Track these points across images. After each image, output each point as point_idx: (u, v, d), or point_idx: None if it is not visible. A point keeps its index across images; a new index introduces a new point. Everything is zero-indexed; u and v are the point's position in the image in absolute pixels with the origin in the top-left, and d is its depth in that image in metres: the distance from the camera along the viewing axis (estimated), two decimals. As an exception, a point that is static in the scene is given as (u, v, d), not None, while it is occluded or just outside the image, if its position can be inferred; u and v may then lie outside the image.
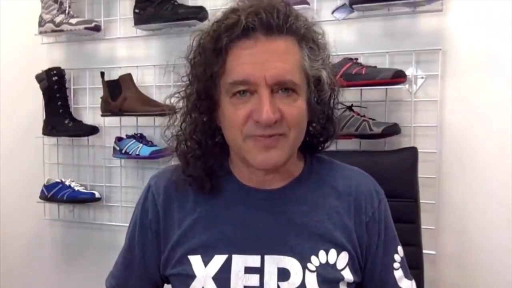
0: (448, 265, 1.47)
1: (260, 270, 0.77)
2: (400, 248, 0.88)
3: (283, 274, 0.77)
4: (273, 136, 0.74)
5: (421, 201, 1.28)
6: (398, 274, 0.86)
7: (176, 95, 0.83)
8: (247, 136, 0.74)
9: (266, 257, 0.78)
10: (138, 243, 0.88)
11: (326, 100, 0.82)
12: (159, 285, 0.91)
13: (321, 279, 0.78)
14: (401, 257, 0.87)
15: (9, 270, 2.15)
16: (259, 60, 0.72)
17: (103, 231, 1.92)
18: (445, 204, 1.46)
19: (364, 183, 0.87)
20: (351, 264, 0.81)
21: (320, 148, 0.90)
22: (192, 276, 0.79)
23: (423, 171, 1.37)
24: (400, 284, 0.85)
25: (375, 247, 0.84)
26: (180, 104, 0.83)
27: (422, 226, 1.28)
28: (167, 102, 0.84)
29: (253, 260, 0.77)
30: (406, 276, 0.87)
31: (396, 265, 0.86)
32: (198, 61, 0.78)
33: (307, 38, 0.77)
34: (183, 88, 0.82)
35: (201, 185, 0.82)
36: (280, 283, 0.77)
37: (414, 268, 1.23)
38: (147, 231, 0.86)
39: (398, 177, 1.22)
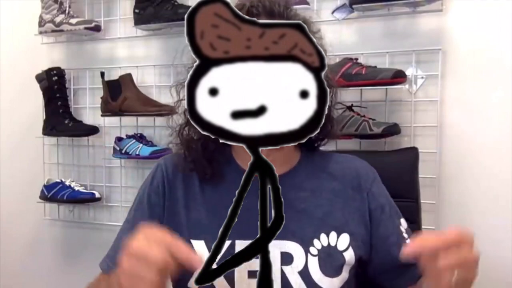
0: (448, 265, 1.46)
1: None
2: (403, 221, 0.89)
3: (286, 258, 0.80)
4: None
5: (421, 201, 1.28)
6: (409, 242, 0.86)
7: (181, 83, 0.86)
8: None
9: None
10: (145, 220, 0.86)
11: None
12: None
13: (322, 263, 0.80)
14: (406, 229, 0.89)
15: (9, 270, 2.15)
16: None
17: (103, 231, 1.92)
18: (445, 204, 1.46)
19: (358, 164, 0.92)
20: (354, 244, 0.83)
21: (316, 144, 0.94)
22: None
23: (423, 171, 1.37)
24: None
25: (378, 222, 0.86)
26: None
27: (422, 226, 1.28)
28: (172, 90, 0.87)
29: None
30: None
31: (405, 235, 0.87)
32: None
33: None
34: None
35: (202, 171, 0.86)
36: (284, 267, 0.79)
37: (414, 268, 1.24)
38: (155, 207, 0.88)
39: (398, 177, 1.22)
